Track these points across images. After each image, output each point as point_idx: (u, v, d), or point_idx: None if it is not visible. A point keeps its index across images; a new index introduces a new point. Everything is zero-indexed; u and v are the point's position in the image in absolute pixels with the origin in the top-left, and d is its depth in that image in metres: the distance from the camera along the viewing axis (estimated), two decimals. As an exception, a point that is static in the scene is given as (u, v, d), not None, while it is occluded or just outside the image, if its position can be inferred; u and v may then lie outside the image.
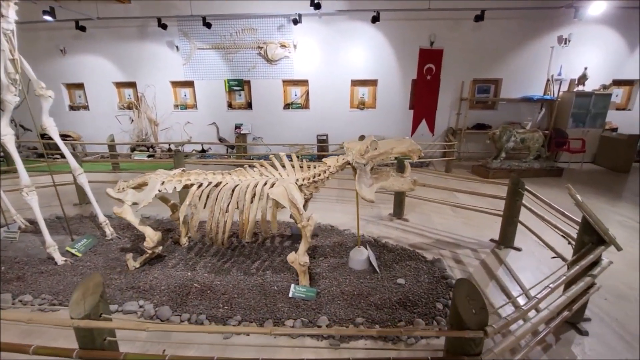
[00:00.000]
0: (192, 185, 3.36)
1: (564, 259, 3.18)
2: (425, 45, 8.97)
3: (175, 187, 3.32)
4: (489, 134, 7.68)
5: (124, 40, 9.53)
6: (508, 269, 3.67)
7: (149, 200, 3.27)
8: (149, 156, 9.43)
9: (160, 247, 3.63)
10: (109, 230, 4.24)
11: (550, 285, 1.95)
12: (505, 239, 4.13)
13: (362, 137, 7.86)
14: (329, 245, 4.09)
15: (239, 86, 9.79)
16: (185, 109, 10.13)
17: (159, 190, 3.30)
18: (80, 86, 10.12)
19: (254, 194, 3.18)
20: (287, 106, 9.93)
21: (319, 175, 3.30)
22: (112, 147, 8.60)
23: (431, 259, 3.75)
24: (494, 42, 8.94)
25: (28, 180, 3.56)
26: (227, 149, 9.98)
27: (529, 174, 7.51)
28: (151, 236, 3.44)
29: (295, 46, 9.22)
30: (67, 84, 10.16)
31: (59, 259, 3.69)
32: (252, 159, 8.90)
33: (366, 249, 3.67)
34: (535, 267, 3.72)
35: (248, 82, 9.78)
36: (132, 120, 9.89)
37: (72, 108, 10.32)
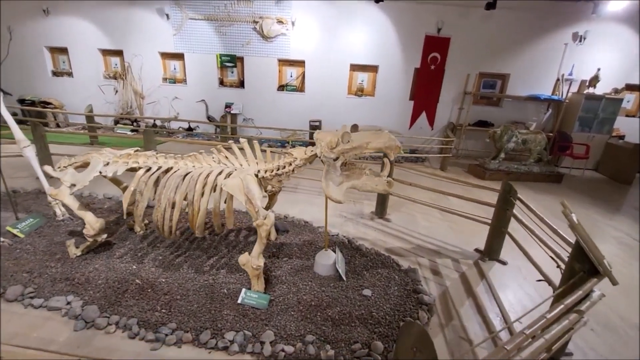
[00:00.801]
0: (139, 169, 2.97)
1: (550, 283, 2.82)
2: (431, 32, 8.39)
3: (117, 171, 2.93)
4: (489, 133, 7.22)
5: (111, 4, 8.93)
6: (489, 286, 3.33)
7: (86, 183, 2.88)
8: (132, 131, 8.99)
9: (104, 236, 3.26)
10: (59, 210, 3.87)
11: (527, 332, 1.58)
12: (491, 251, 3.77)
13: (355, 127, 7.41)
14: (297, 243, 3.73)
15: (231, 62, 9.25)
16: (174, 83, 9.62)
17: (100, 173, 2.91)
18: (64, 51, 9.57)
19: (206, 184, 2.80)
20: (282, 87, 9.42)
21: (283, 167, 2.91)
22: (90, 119, 8.15)
23: (406, 268, 3.39)
24: (505, 34, 8.35)
25: (22, 136, 3.16)
26: (215, 129, 9.52)
27: (527, 177, 7.10)
28: (92, 223, 3.07)
29: (293, 23, 8.64)
30: (50, 48, 9.62)
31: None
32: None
33: (334, 252, 3.31)
34: (519, 286, 3.37)
35: (241, 59, 9.24)
36: (117, 92, 9.40)
37: (55, 74, 9.80)
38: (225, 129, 8.94)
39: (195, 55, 9.24)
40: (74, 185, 2.97)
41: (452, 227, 4.57)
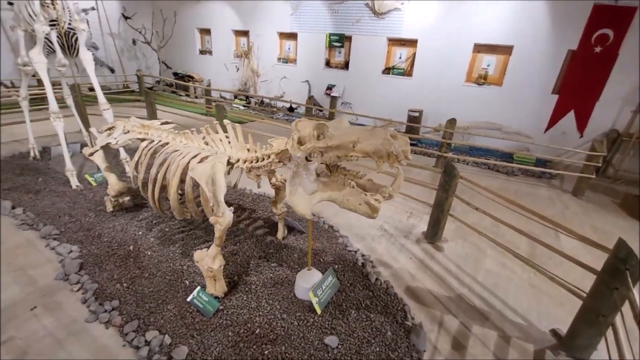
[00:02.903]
0: (144, 140, 2.99)
1: None
2: (604, 1, 5.84)
3: (125, 140, 3.02)
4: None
5: (244, -13, 9.74)
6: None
7: (96, 148, 3.09)
8: (244, 106, 9.84)
9: (127, 198, 3.51)
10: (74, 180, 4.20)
11: None
12: (578, 343, 2.32)
13: (452, 121, 5.97)
14: (302, 250, 3.19)
15: (339, 42, 8.86)
16: (287, 62, 9.96)
17: (115, 140, 3.07)
18: (208, 32, 11.15)
19: (178, 166, 2.57)
20: (387, 70, 8.49)
21: (262, 160, 2.41)
22: (208, 92, 9.26)
23: (413, 324, 2.42)
24: None
25: (56, 108, 3.91)
26: (313, 110, 9.46)
27: None
28: (112, 184, 3.33)
29: (409, -4, 7.51)
30: (200, 29, 11.36)
31: (74, 184, 4.07)
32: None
33: (325, 274, 2.64)
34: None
35: (349, 39, 8.73)
36: (238, 69, 10.39)
37: (201, 52, 11.59)
38: (311, 111, 8.73)
39: (307, 35, 9.24)
40: (103, 147, 3.24)
41: (532, 283, 3.09)
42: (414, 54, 8.01)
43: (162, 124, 3.27)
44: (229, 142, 2.64)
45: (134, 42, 11.33)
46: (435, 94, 7.85)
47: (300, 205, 2.11)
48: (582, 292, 2.35)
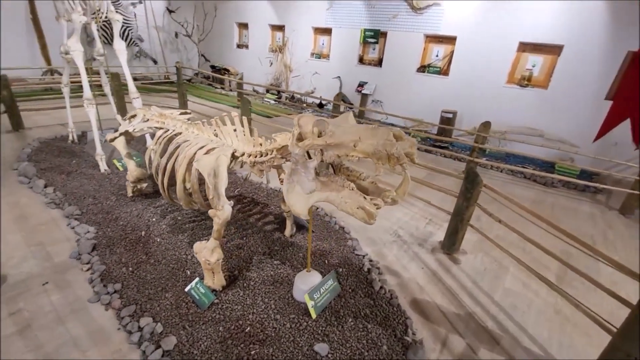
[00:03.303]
0: (160, 128, 3.04)
1: None
2: (679, -8, 5.14)
3: (143, 128, 3.10)
4: None
5: (282, -18, 9.76)
6: None
7: (115, 134, 3.19)
8: (274, 100, 9.91)
9: (145, 185, 3.62)
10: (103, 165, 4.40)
11: None
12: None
13: (486, 124, 5.55)
14: (314, 252, 3.12)
15: (374, 38, 8.62)
16: (320, 58, 9.87)
17: (133, 127, 3.16)
18: (246, 26, 11.33)
19: (185, 157, 2.58)
20: (422, 69, 8.14)
21: (265, 155, 2.35)
22: (240, 86, 9.41)
23: (412, 340, 2.26)
24: None
25: (89, 95, 4.12)
26: (340, 107, 9.29)
27: None
28: (131, 170, 3.44)
29: (450, -10, 7.11)
30: (238, 23, 11.58)
31: (102, 168, 4.29)
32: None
33: (325, 277, 2.54)
34: None
35: (385, 35, 8.45)
36: (271, 64, 10.47)
37: (238, 46, 11.82)
38: (339, 108, 8.54)
39: (342, 30, 9.09)
40: (122, 134, 3.36)
41: (558, 309, 2.78)
42: (452, 52, 7.59)
43: (181, 114, 3.33)
44: (236, 135, 2.61)
45: (176, 35, 11.79)
46: (472, 94, 7.40)
47: (297, 205, 2.03)
48: (613, 327, 2.06)
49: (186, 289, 2.46)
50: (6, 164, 4.35)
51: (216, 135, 2.74)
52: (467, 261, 3.28)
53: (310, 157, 1.94)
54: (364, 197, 1.86)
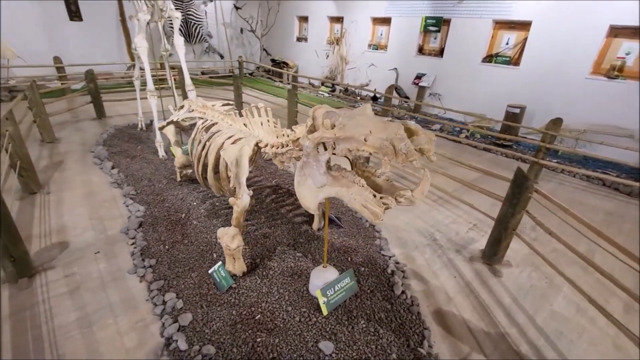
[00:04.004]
0: (202, 119, 3.23)
1: None
2: None
3: (185, 118, 3.32)
4: None
5: (342, -28, 9.63)
6: None
7: (163, 123, 3.45)
8: (328, 93, 9.90)
9: (189, 171, 3.89)
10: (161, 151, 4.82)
11: None
12: None
13: (556, 121, 4.80)
14: (334, 245, 3.07)
15: (436, 26, 8.08)
16: (377, 49, 9.58)
17: (177, 117, 3.40)
18: (306, 19, 11.46)
19: (215, 146, 2.70)
20: (489, 58, 7.41)
21: (286, 145, 2.36)
22: (295, 79, 9.56)
23: (427, 354, 2.09)
24: None
25: (152, 87, 4.55)
26: (398, 101, 8.92)
27: None
28: (177, 157, 3.73)
29: (526, -31, 6.30)
30: (299, 17, 11.76)
31: (160, 154, 4.73)
32: (415, 118, 7.60)
33: (341, 275, 2.48)
34: None
35: (448, 22, 7.86)
36: (327, 56, 10.44)
37: (298, 39, 12.02)
38: (390, 101, 8.16)
39: (402, 19, 8.68)
40: (170, 122, 3.65)
41: (618, 344, 2.32)
42: (525, 39, 6.76)
43: (223, 105, 3.49)
44: (262, 126, 2.65)
45: (241, 30, 12.42)
46: (546, 87, 6.53)
47: (306, 198, 2.00)
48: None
49: (210, 271, 2.60)
50: (86, 146, 5.05)
51: (246, 125, 2.81)
52: (510, 274, 2.92)
53: (325, 149, 1.88)
54: (373, 195, 1.76)
